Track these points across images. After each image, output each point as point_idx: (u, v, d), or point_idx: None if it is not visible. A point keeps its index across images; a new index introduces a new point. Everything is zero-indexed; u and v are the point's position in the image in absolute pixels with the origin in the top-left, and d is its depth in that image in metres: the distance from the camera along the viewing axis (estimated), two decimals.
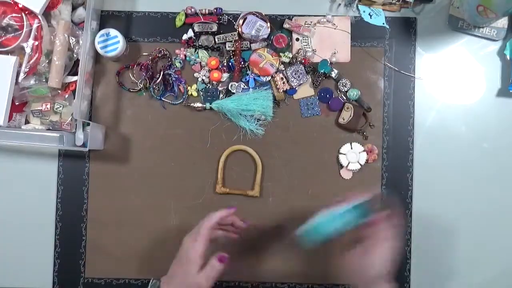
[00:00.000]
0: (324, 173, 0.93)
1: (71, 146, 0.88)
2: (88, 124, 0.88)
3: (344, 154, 0.91)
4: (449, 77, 0.94)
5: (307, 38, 0.93)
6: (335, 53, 0.92)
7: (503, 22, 0.92)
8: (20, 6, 0.83)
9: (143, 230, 0.93)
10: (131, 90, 0.93)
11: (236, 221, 0.85)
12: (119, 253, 0.92)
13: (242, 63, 0.92)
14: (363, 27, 0.93)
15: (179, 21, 0.92)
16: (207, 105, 0.92)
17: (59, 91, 0.89)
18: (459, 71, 0.94)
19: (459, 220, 0.92)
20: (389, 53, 0.93)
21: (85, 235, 0.92)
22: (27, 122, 0.91)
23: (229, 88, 0.92)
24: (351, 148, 0.91)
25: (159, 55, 0.92)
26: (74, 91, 0.90)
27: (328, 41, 0.93)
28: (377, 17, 0.93)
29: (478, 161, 0.93)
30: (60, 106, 0.89)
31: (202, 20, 0.92)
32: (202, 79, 0.93)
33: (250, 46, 0.92)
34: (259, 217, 0.92)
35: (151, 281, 0.81)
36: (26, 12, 0.84)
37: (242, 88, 0.92)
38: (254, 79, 0.92)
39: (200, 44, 0.93)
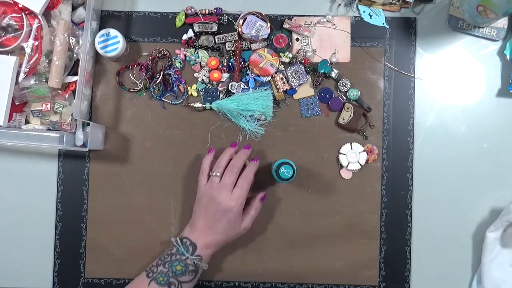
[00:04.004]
0: (324, 173, 0.93)
1: (71, 146, 0.88)
2: (88, 124, 0.88)
3: (344, 154, 0.91)
4: (449, 77, 0.94)
5: (307, 38, 0.93)
6: (335, 53, 0.92)
7: (503, 22, 0.92)
8: (20, 6, 0.83)
9: (143, 230, 0.93)
10: (131, 90, 0.93)
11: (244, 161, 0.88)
12: (119, 253, 0.92)
13: (242, 63, 0.92)
14: (363, 27, 0.93)
15: (179, 21, 0.92)
16: (207, 105, 0.92)
17: (59, 91, 0.89)
18: (459, 71, 0.94)
19: (459, 220, 0.92)
20: (389, 53, 0.93)
21: (85, 235, 0.92)
22: (27, 122, 0.91)
23: (229, 88, 0.92)
24: (351, 148, 0.91)
25: (159, 55, 0.92)
26: (74, 91, 0.90)
27: (328, 41, 0.93)
28: (377, 17, 0.93)
29: (478, 161, 0.93)
30: (60, 106, 0.89)
31: (202, 20, 0.92)
32: (202, 79, 0.92)
33: (250, 46, 0.92)
34: (260, 217, 0.92)
35: (175, 241, 0.83)
36: (26, 12, 0.84)
37: (242, 88, 0.92)
38: (254, 79, 0.92)
39: (200, 44, 0.93)
